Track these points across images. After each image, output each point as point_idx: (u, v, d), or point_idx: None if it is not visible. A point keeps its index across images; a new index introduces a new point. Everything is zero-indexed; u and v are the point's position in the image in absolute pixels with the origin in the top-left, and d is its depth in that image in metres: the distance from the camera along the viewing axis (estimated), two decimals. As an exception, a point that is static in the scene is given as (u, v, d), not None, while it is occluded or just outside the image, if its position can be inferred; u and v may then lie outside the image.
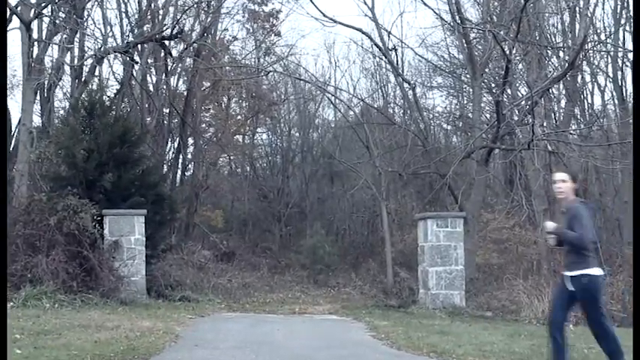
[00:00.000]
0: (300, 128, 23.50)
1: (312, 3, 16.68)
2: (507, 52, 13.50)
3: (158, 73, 19.70)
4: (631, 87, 18.12)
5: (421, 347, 7.97)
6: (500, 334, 9.26)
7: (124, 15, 19.01)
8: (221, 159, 24.06)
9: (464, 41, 16.13)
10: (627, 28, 17.56)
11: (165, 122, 20.08)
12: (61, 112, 18.51)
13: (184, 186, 20.91)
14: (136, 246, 12.61)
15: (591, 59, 17.67)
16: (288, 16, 29.00)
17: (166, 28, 16.93)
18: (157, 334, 8.35)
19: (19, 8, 14.55)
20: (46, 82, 16.69)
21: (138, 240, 12.65)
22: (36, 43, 15.82)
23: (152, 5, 18.68)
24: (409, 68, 21.57)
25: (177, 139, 20.41)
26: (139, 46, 17.60)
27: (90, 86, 16.02)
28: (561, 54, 17.43)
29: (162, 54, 18.54)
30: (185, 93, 20.26)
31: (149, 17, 18.59)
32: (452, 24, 16.89)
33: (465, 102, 21.23)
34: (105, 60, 17.88)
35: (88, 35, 17.81)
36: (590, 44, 15.81)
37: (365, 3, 17.75)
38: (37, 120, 17.33)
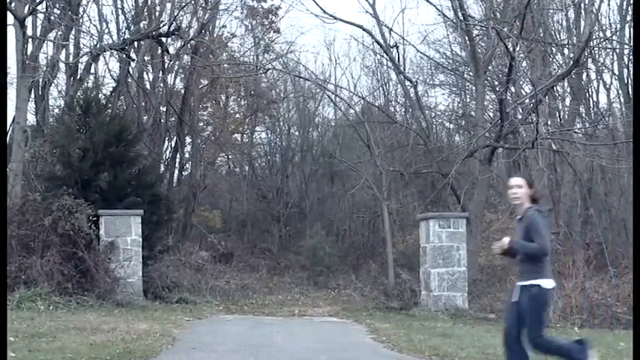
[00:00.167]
0: (300, 127, 23.50)
1: (312, -1, 16.69)
2: (511, 50, 13.51)
3: (155, 71, 19.72)
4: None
5: (423, 350, 7.97)
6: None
7: (120, 11, 19.05)
8: (219, 158, 24.07)
9: (467, 38, 16.13)
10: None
11: (162, 121, 20.09)
12: (56, 110, 18.52)
13: (182, 186, 20.92)
14: (133, 247, 12.61)
15: (596, 56, 17.68)
16: (288, 13, 29.09)
17: (163, 25, 16.95)
18: (154, 337, 8.36)
19: (12, 4, 14.54)
20: (40, 80, 16.69)
21: (134, 241, 12.65)
22: (30, 40, 15.80)
23: (149, 1, 18.70)
24: (411, 66, 21.59)
25: (175, 137, 20.41)
26: (136, 43, 17.61)
27: (85, 84, 16.04)
28: (566, 51, 17.44)
29: (159, 51, 18.55)
30: (182, 91, 20.26)
31: (146, 14, 18.61)
32: (454, 21, 16.93)
33: (468, 100, 21.25)
34: (101, 57, 17.89)
35: (83, 32, 17.80)
36: (595, 41, 15.82)
37: (366, -1, 17.77)
38: (31, 118, 17.38)
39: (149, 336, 8.40)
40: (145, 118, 19.04)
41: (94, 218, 12.26)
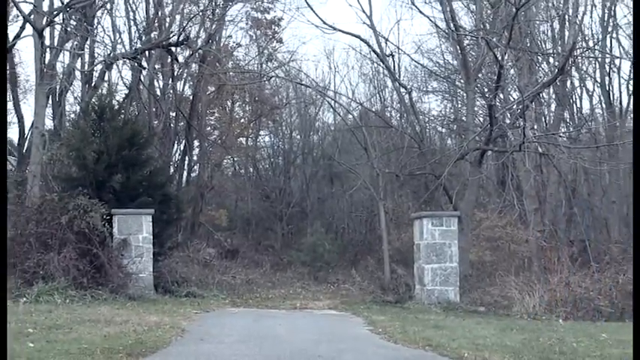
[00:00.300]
0: (301, 131, 23.52)
1: (313, 11, 16.76)
2: (500, 58, 13.50)
3: (165, 78, 19.72)
4: (618, 91, 18.17)
5: (417, 341, 7.97)
6: (492, 328, 9.26)
7: (132, 22, 19.02)
8: (225, 160, 24.07)
9: (458, 48, 16.13)
10: (614, 35, 17.59)
11: (171, 125, 20.09)
12: (72, 115, 18.55)
13: (190, 186, 20.92)
14: (144, 244, 12.62)
15: (580, 65, 17.70)
16: (290, 24, 29.01)
17: (173, 35, 16.95)
18: (164, 329, 8.35)
19: (32, 16, 14.55)
20: (57, 87, 16.68)
21: (145, 238, 12.66)
22: (48, 49, 15.81)
23: (159, 13, 18.70)
24: (405, 73, 21.60)
25: (184, 141, 20.41)
26: (147, 52, 17.60)
27: (100, 91, 16.05)
28: (551, 60, 17.45)
29: (169, 60, 18.56)
30: (191, 97, 20.26)
31: (156, 25, 18.61)
32: (446, 31, 16.91)
33: (459, 106, 21.25)
34: (114, 66, 17.89)
35: (97, 42, 17.83)
36: (578, 51, 15.81)
37: (363, 11, 17.75)
38: (49, 123, 17.34)
39: (159, 328, 8.40)
40: (156, 122, 19.05)
41: (108, 217, 12.27)
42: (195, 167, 21.61)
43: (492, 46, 13.69)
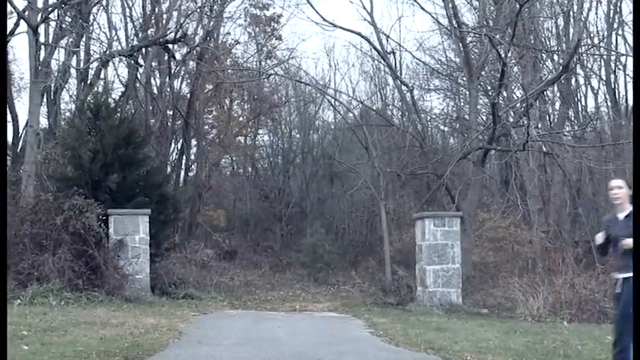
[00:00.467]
0: (301, 130, 23.51)
1: (313, 7, 16.72)
2: (503, 56, 13.51)
3: (162, 76, 19.72)
4: (624, 89, 18.16)
5: (419, 344, 7.96)
6: (495, 330, 9.26)
7: (128, 19, 19.05)
8: (223, 160, 24.05)
9: (460, 45, 16.13)
10: (620, 32, 17.60)
11: (168, 124, 20.09)
12: (67, 114, 18.51)
13: (187, 186, 20.91)
14: (141, 245, 12.60)
15: (585, 62, 17.70)
16: (289, 21, 28.91)
17: (170, 32, 16.95)
18: (161, 331, 8.35)
19: (26, 13, 14.54)
20: (52, 85, 16.69)
21: (142, 239, 12.63)
22: (43, 46, 15.81)
23: (156, 10, 18.69)
24: (407, 71, 21.58)
25: (181, 140, 20.42)
26: (144, 49, 17.60)
27: (95, 89, 16.03)
28: (556, 57, 17.45)
29: (166, 57, 18.56)
30: (188, 95, 20.27)
31: (153, 21, 18.61)
32: (449, 28, 16.91)
33: (462, 104, 21.24)
34: (110, 63, 17.90)
35: (93, 39, 17.84)
36: (583, 48, 15.82)
37: (364, 7, 17.83)
38: (43, 122, 17.34)
39: (156, 330, 8.39)
40: (153, 121, 19.04)
41: (104, 217, 12.25)
42: (193, 167, 21.63)
43: (495, 44, 13.70)
